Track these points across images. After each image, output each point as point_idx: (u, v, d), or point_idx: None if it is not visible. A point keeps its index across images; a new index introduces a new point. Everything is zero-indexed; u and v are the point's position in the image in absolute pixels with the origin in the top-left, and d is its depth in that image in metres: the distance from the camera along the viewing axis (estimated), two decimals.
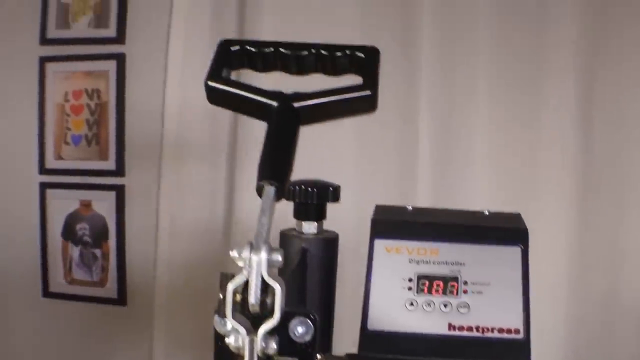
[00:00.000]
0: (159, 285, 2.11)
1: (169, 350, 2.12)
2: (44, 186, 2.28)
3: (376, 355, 0.85)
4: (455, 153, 1.90)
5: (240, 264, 0.70)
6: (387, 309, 0.87)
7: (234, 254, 0.70)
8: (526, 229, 0.93)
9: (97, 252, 2.24)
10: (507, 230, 0.94)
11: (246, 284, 0.69)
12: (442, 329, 0.86)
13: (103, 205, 2.23)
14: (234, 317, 0.70)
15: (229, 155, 2.05)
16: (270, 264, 0.69)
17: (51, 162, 2.27)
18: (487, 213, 1.00)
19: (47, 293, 2.32)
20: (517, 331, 0.86)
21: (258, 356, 0.69)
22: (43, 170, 2.28)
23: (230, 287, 0.69)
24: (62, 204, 2.27)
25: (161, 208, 2.11)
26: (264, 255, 0.68)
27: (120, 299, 2.23)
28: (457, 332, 0.86)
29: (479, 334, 0.86)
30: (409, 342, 0.85)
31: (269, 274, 0.69)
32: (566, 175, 1.83)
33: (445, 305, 0.87)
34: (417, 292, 0.89)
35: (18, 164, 2.30)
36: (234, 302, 0.70)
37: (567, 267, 1.85)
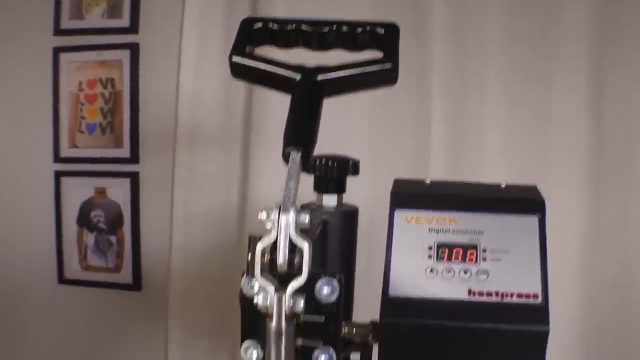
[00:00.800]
0: (174, 270, 2.13)
1: (184, 335, 2.14)
2: (58, 174, 2.30)
3: (398, 320, 0.86)
4: (469, 129, 1.90)
5: (269, 225, 0.71)
6: (408, 276, 0.89)
7: (262, 215, 0.72)
8: (543, 200, 0.95)
9: (112, 238, 2.26)
10: (524, 201, 0.96)
11: (274, 245, 0.71)
12: (462, 294, 0.87)
13: (118, 192, 2.25)
14: (262, 277, 0.71)
15: (243, 143, 2.07)
16: (297, 224, 0.71)
17: (66, 151, 2.29)
18: (503, 186, 1.02)
19: (62, 280, 2.34)
20: (535, 296, 0.87)
21: (286, 314, 0.70)
22: (58, 158, 2.30)
23: (259, 247, 0.71)
24: (77, 191, 2.29)
25: (175, 195, 2.12)
26: (292, 215, 0.70)
27: (135, 285, 2.25)
28: (477, 297, 0.87)
29: (498, 299, 0.87)
30: (429, 307, 0.87)
31: (297, 234, 0.70)
32: (578, 156, 1.84)
33: (464, 272, 0.89)
34: (437, 260, 0.90)
35: (33, 153, 2.32)
36: (262, 262, 0.71)
37: (580, 250, 1.86)
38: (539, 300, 0.87)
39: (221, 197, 2.09)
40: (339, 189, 1.00)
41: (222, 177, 2.09)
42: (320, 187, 1.00)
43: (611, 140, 1.84)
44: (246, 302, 0.79)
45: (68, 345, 2.33)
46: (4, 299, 2.37)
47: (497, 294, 0.88)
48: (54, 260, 2.33)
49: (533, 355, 0.86)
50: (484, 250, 0.91)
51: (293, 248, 0.71)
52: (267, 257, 0.72)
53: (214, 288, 2.10)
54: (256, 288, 0.73)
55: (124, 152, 2.22)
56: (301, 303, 0.71)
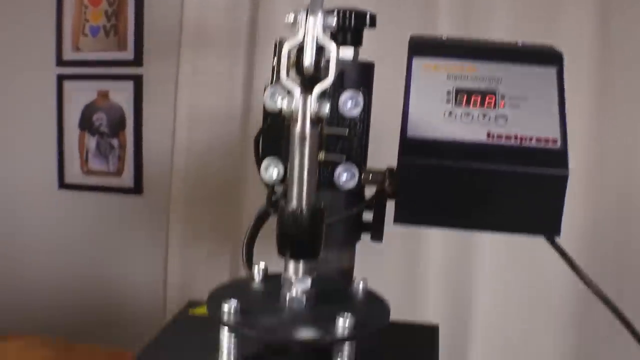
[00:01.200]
0: (176, 173, 2.12)
1: (185, 238, 2.14)
2: (61, 78, 2.28)
3: (416, 160, 0.85)
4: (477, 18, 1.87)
5: (295, 28, 0.70)
6: (426, 119, 0.88)
7: (288, 18, 0.70)
8: (561, 53, 0.94)
9: (114, 141, 2.25)
10: (542, 53, 0.95)
11: (301, 48, 0.70)
12: (481, 137, 0.87)
13: (121, 95, 2.23)
14: (288, 79, 0.70)
15: (248, 44, 2.04)
16: (325, 25, 0.69)
17: (69, 54, 2.27)
18: (520, 44, 1.01)
19: (63, 184, 2.33)
20: (554, 141, 0.87)
21: (311, 118, 0.69)
22: (61, 62, 2.28)
23: (285, 48, 0.70)
24: (80, 95, 2.27)
25: (179, 97, 2.10)
26: (319, 17, 0.69)
27: (137, 188, 2.25)
28: (496, 140, 0.87)
29: (517, 143, 0.86)
30: (448, 148, 0.86)
31: (324, 36, 0.69)
32: (585, 63, 1.82)
33: (483, 116, 0.88)
34: (455, 104, 0.90)
35: (36, 57, 2.30)
36: (288, 66, 0.70)
37: (584, 162, 1.84)
38: (558, 145, 0.87)
39: (225, 99, 2.08)
40: (356, 41, 0.99)
41: (227, 79, 2.07)
42: (338, 38, 0.98)
43: (618, 48, 1.82)
44: (269, 116, 0.78)
45: (69, 250, 2.33)
46: (4, 205, 2.37)
47: (516, 137, 0.87)
48: (54, 164, 2.32)
49: (552, 199, 0.86)
50: (503, 97, 0.90)
51: (319, 51, 0.70)
52: (293, 60, 0.70)
53: (215, 191, 2.09)
54: (279, 100, 0.72)
55: (128, 54, 2.21)
56: (326, 107, 0.70)
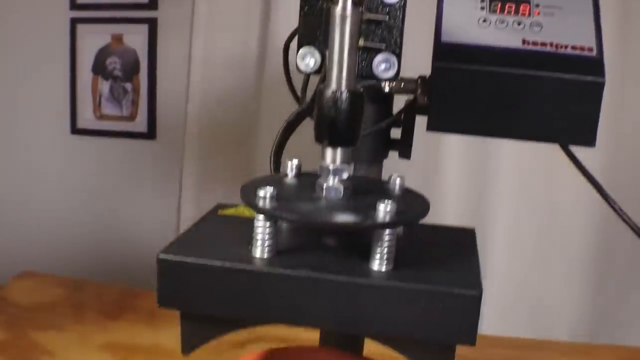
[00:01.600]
0: (190, 117, 2.10)
1: (198, 183, 2.12)
2: (74, 21, 2.26)
3: (451, 65, 0.84)
4: None
5: None
6: (460, 25, 0.87)
7: None
8: None
9: (128, 85, 2.24)
10: None
11: None
12: (516, 43, 0.86)
13: (135, 38, 2.21)
14: None
15: None
16: None
17: None
18: None
19: (75, 130, 2.32)
20: (590, 49, 0.86)
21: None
22: (74, 5, 2.26)
23: None
24: (93, 39, 2.26)
25: (194, 41, 2.08)
26: None
27: (150, 133, 2.24)
28: (531, 47, 0.86)
29: (553, 49, 0.86)
30: (483, 54, 0.85)
31: None
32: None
33: (518, 24, 0.87)
34: (489, 12, 0.89)
35: (48, 0, 2.28)
36: None
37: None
38: (594, 53, 0.86)
39: (241, 43, 2.06)
40: None
41: (243, 21, 2.05)
42: None
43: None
44: (306, 4, 0.77)
45: (81, 195, 2.32)
46: (17, 150, 2.36)
47: (551, 44, 0.86)
48: (67, 109, 2.31)
49: (588, 107, 0.85)
50: (537, 5, 0.89)
51: None
52: None
53: (230, 136, 2.08)
54: None
55: None
56: None
